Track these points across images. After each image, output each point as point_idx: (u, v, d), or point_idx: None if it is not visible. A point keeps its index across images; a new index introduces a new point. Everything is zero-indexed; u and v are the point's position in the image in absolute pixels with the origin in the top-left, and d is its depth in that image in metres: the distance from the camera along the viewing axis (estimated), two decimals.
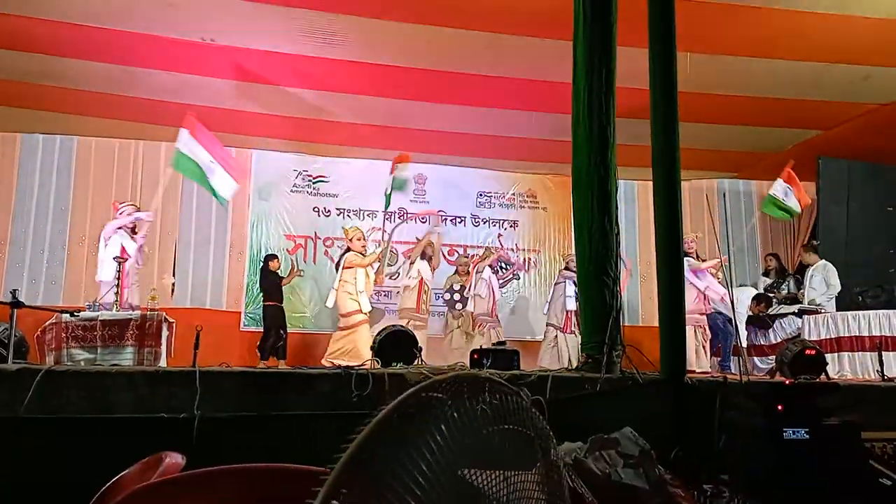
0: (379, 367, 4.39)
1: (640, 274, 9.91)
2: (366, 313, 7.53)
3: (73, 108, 7.85)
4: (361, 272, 7.57)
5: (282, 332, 8.11)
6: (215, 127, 8.32)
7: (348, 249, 7.76)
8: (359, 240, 7.76)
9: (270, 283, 8.32)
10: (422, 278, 8.28)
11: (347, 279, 7.53)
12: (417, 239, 9.22)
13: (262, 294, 8.47)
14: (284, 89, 7.51)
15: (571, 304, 8.14)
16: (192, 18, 6.20)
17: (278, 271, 8.39)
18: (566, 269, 8.51)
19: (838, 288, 7.82)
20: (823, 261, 8.05)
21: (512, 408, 1.16)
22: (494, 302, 8.50)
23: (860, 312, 7.30)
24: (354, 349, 7.17)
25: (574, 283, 8.62)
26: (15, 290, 4.65)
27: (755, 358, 7.95)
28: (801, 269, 8.74)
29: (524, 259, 10.05)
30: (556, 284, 8.74)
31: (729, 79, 7.07)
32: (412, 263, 8.47)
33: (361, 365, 4.17)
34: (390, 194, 8.13)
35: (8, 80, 7.11)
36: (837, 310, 7.65)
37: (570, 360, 7.85)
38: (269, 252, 8.87)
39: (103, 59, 6.79)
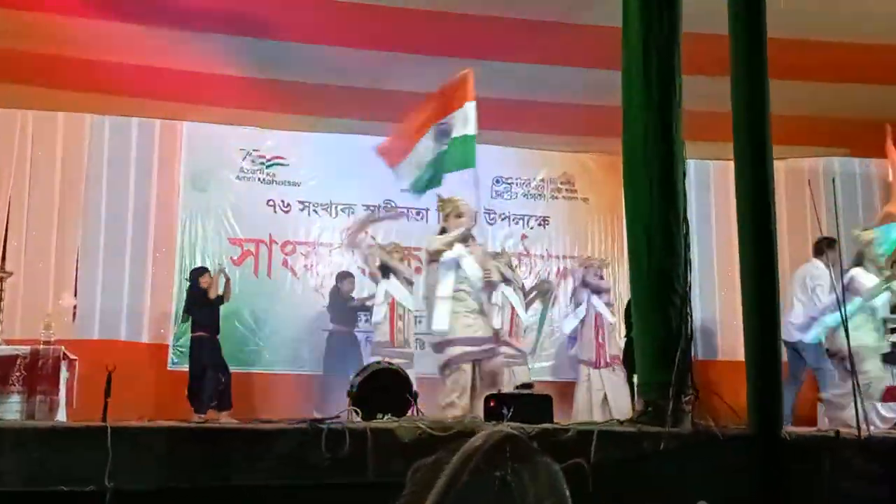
0: (359, 419, 4.39)
1: (717, 288, 9.90)
2: None
3: None
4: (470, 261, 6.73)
5: (220, 373, 8.12)
6: (131, 91, 8.38)
7: (443, 231, 6.90)
8: (458, 216, 6.80)
9: (200, 307, 8.36)
10: (392, 300, 8.30)
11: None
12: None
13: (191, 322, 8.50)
14: (226, 38, 7.53)
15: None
16: None
17: (209, 289, 8.40)
18: (585, 283, 8.55)
19: None
20: None
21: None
22: (514, 327, 8.50)
23: None
24: None
25: (598, 294, 8.72)
26: None
27: (878, 404, 7.92)
28: None
29: (557, 269, 10.05)
30: (577, 306, 8.79)
31: (837, 18, 7.07)
32: (377, 284, 8.51)
33: (335, 417, 4.17)
34: (439, 165, 7.10)
35: None
36: None
37: (607, 402, 7.92)
38: (200, 264, 8.92)
39: None
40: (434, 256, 6.62)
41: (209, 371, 8.06)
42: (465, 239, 6.65)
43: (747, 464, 3.67)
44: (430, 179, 7.15)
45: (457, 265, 6.51)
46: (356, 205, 9.68)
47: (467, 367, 6.32)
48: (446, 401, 6.14)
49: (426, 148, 7.12)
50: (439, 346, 6.46)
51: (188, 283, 8.58)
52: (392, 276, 8.39)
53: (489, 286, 6.88)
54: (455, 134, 6.88)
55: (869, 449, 3.66)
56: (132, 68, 7.90)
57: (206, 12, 7.10)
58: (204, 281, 8.38)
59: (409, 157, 7.18)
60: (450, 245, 6.55)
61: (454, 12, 7.07)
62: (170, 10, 7.08)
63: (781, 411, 4.07)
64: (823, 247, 7.73)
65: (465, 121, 6.77)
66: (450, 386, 6.25)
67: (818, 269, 7.88)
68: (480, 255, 6.81)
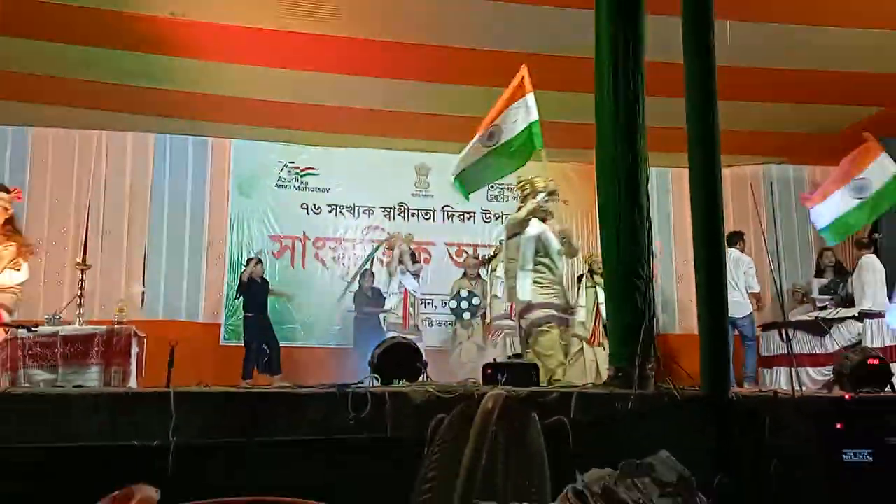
0: (378, 384, 4.40)
1: (677, 275, 9.90)
2: None
3: (25, 95, 7.91)
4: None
5: (264, 346, 8.18)
6: (188, 113, 8.43)
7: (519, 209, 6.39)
8: (535, 195, 6.26)
9: (242, 292, 8.46)
10: (406, 291, 8.38)
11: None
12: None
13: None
14: (267, 70, 7.53)
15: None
16: None
17: (258, 279, 8.48)
18: (591, 272, 8.49)
19: (875, 286, 7.81)
20: (868, 257, 8.04)
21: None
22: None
23: None
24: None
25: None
26: None
27: (809, 369, 7.92)
28: None
29: None
30: (579, 290, 8.74)
31: (774, 50, 7.05)
32: (392, 276, 8.66)
33: (358, 383, 4.17)
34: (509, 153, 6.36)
35: None
36: None
37: (598, 372, 7.87)
38: (247, 257, 8.97)
39: (60, 40, 6.82)
40: (514, 231, 6.21)
41: (254, 344, 8.18)
42: (544, 216, 6.22)
43: (701, 419, 3.67)
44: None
45: (537, 239, 6.08)
46: (375, 207, 9.71)
47: (554, 329, 5.98)
48: (550, 363, 5.79)
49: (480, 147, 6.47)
50: (525, 311, 6.09)
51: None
52: (405, 270, 8.53)
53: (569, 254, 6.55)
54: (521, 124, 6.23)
55: (801, 406, 3.65)
56: (189, 95, 7.92)
57: (253, 48, 7.11)
58: (244, 273, 8.48)
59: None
60: (525, 222, 6.13)
61: (454, 46, 7.04)
62: (223, 48, 7.08)
63: (729, 375, 4.07)
64: (737, 238, 8.12)
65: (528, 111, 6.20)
66: (546, 345, 5.90)
67: (743, 256, 8.23)
68: (557, 230, 6.29)
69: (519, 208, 6.40)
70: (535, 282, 6.06)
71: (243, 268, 8.66)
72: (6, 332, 5.51)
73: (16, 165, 8.70)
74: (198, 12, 6.57)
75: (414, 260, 8.99)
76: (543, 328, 5.97)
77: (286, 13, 6.50)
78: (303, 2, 6.37)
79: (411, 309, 8.52)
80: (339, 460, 3.17)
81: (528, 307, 6.05)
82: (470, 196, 6.92)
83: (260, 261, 8.70)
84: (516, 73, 6.31)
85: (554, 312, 6.04)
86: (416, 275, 8.82)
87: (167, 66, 7.36)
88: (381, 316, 8.83)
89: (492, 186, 9.96)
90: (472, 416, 0.99)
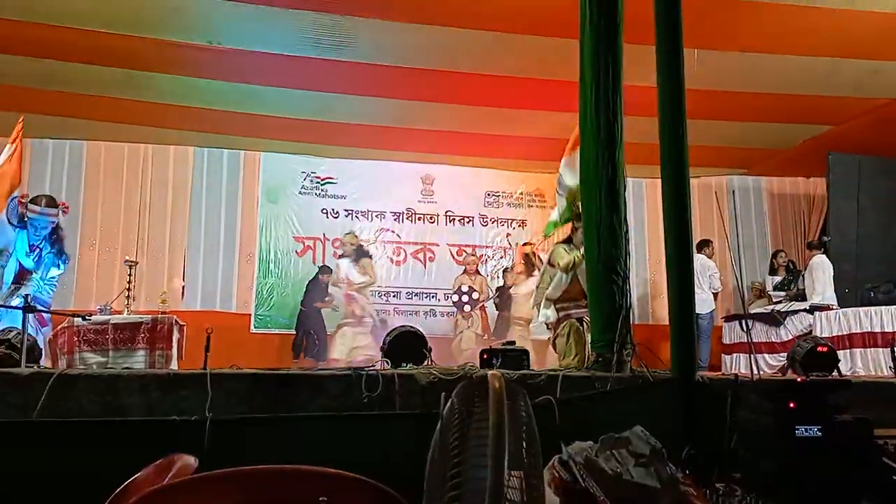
0: (389, 367, 4.40)
1: (649, 272, 9.89)
2: None
3: (81, 112, 7.92)
4: None
5: (311, 332, 8.36)
6: (223, 129, 8.45)
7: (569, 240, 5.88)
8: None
9: (308, 293, 8.61)
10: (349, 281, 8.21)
11: None
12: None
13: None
14: (291, 91, 7.53)
15: None
16: (198, 22, 6.24)
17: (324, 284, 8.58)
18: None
19: (825, 283, 7.82)
20: (818, 257, 8.05)
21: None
22: None
23: (872, 308, 7.27)
24: None
25: None
26: (27, 296, 4.69)
27: (766, 355, 7.92)
28: None
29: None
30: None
31: (737, 75, 7.03)
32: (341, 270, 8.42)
33: (371, 366, 4.18)
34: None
35: (17, 85, 7.17)
36: (849, 306, 7.62)
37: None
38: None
39: (110, 64, 6.83)
40: (556, 263, 5.72)
41: (299, 332, 8.45)
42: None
43: (671, 399, 3.67)
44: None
45: (571, 278, 5.60)
46: (386, 212, 9.69)
47: (566, 330, 5.60)
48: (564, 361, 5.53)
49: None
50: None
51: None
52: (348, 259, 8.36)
53: None
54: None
55: (759, 387, 3.65)
56: (225, 114, 7.93)
57: (281, 72, 7.12)
58: (322, 279, 8.61)
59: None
60: (570, 266, 5.61)
61: (458, 70, 7.03)
62: (255, 72, 7.10)
63: (696, 361, 4.06)
64: (703, 245, 8.22)
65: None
66: (561, 348, 5.63)
67: (709, 261, 8.38)
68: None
69: (569, 238, 5.88)
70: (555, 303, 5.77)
71: (320, 273, 8.69)
72: (65, 321, 5.53)
73: (72, 174, 8.71)
74: (232, 41, 6.57)
75: (361, 255, 8.49)
76: (558, 332, 5.72)
77: (311, 42, 6.50)
78: (326, 32, 6.36)
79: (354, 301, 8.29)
80: (355, 432, 3.17)
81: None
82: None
83: (330, 270, 8.68)
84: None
85: (575, 311, 5.65)
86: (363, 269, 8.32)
87: (205, 88, 7.38)
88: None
89: (488, 194, 9.98)
90: (473, 394, 1.00)
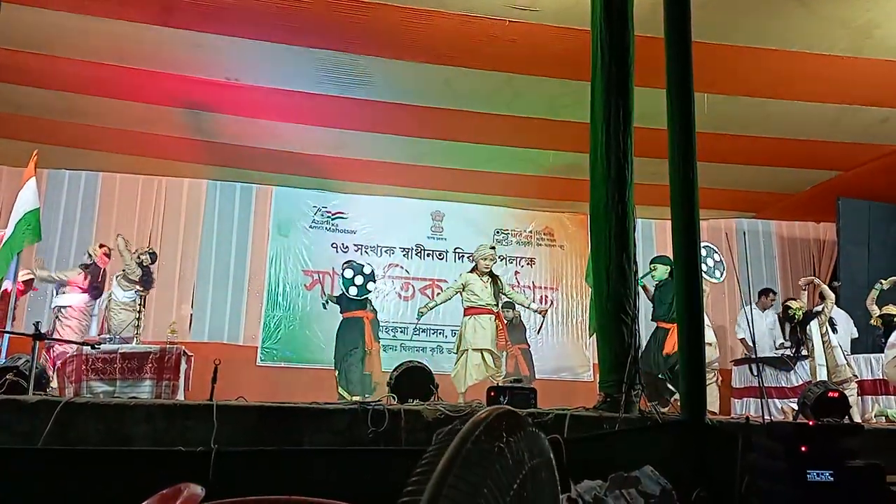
0: (395, 402, 4.37)
1: None
2: None
3: (97, 144, 8.04)
4: None
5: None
6: (237, 163, 8.55)
7: None
8: None
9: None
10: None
11: None
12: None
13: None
14: (305, 127, 7.64)
15: None
16: (217, 58, 6.36)
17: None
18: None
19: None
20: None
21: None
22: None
23: (882, 355, 7.17)
24: None
25: None
26: (37, 323, 4.71)
27: (776, 400, 7.81)
28: None
29: (541, 297, 10.01)
30: None
31: (746, 120, 7.10)
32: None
33: (378, 401, 4.15)
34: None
35: (34, 116, 7.30)
36: (859, 352, 7.53)
37: None
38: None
39: (129, 98, 6.96)
40: None
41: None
42: None
43: (680, 441, 3.62)
44: None
45: None
46: (395, 247, 9.71)
47: None
48: None
49: None
50: None
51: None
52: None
53: None
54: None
55: (770, 431, 3.60)
56: (238, 148, 8.04)
57: (295, 108, 7.23)
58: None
59: None
60: None
61: (467, 110, 7.11)
62: (269, 108, 7.21)
63: (705, 402, 4.02)
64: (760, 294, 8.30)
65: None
66: None
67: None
68: None
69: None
70: None
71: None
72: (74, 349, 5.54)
73: (86, 204, 8.81)
74: (248, 77, 6.69)
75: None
76: None
77: (325, 80, 6.61)
78: (342, 71, 6.47)
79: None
80: (359, 467, 3.14)
81: None
82: None
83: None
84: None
85: None
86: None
87: (219, 122, 7.50)
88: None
89: (497, 232, 10.00)
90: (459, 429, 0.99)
